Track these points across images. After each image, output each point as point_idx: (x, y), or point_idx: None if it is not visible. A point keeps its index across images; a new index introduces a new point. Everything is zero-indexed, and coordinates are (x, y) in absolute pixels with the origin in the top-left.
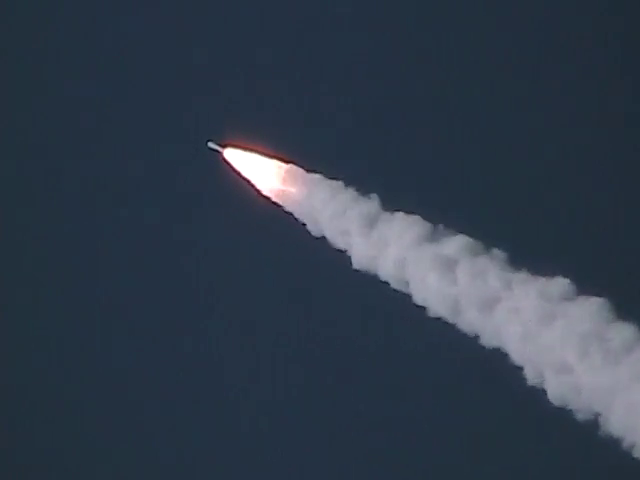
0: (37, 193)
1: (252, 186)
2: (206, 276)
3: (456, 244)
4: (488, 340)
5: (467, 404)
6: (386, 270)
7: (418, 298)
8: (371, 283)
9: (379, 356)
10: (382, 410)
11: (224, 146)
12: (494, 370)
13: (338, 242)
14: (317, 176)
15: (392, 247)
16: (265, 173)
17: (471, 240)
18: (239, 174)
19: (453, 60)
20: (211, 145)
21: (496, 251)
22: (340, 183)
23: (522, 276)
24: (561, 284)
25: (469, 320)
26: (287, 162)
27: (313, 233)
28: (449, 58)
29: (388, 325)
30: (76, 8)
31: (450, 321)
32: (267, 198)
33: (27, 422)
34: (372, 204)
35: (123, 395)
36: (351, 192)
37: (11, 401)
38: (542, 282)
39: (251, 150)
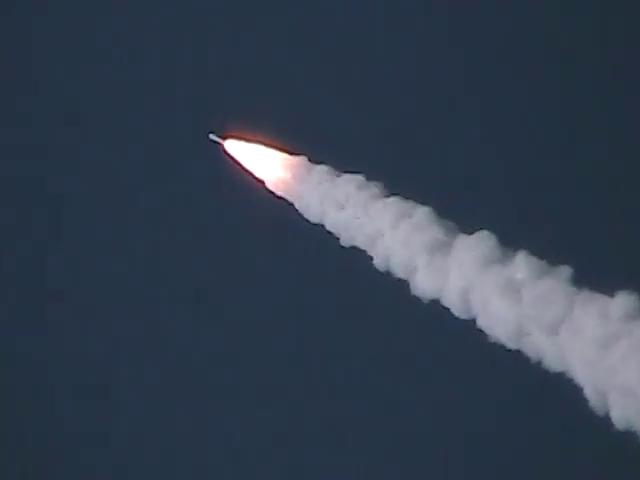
0: (32, 189)
1: (254, 178)
2: (207, 270)
3: (521, 265)
4: (552, 364)
5: (531, 429)
6: (449, 298)
7: (482, 322)
8: (382, 277)
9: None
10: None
11: (225, 138)
12: (560, 392)
13: (399, 272)
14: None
15: (455, 273)
16: (267, 165)
17: (535, 259)
18: (241, 166)
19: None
20: (212, 137)
21: (561, 268)
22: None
23: (585, 294)
24: (625, 302)
25: (534, 344)
26: (292, 154)
27: (376, 264)
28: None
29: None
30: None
31: (513, 346)
32: (269, 190)
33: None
34: (437, 227)
35: (119, 392)
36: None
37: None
38: (605, 300)
39: (253, 142)
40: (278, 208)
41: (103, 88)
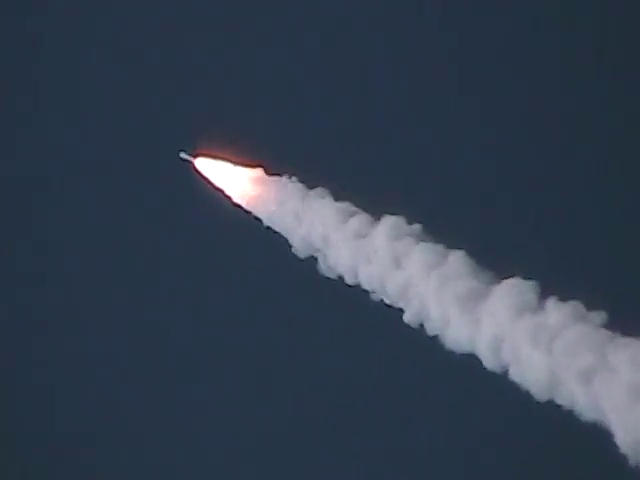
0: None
1: (224, 195)
2: (179, 287)
3: (552, 312)
4: (585, 412)
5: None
6: (482, 349)
7: (514, 373)
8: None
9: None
10: None
11: (196, 156)
12: (594, 442)
13: (431, 326)
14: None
15: (487, 323)
16: (238, 181)
17: (567, 305)
18: (211, 183)
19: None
20: (183, 155)
21: (594, 314)
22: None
23: (618, 340)
24: None
25: (566, 393)
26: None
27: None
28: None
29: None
30: (44, 18)
31: (546, 396)
32: (240, 207)
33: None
34: (469, 276)
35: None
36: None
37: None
38: (639, 345)
39: (223, 159)
40: (249, 223)
41: (72, 107)
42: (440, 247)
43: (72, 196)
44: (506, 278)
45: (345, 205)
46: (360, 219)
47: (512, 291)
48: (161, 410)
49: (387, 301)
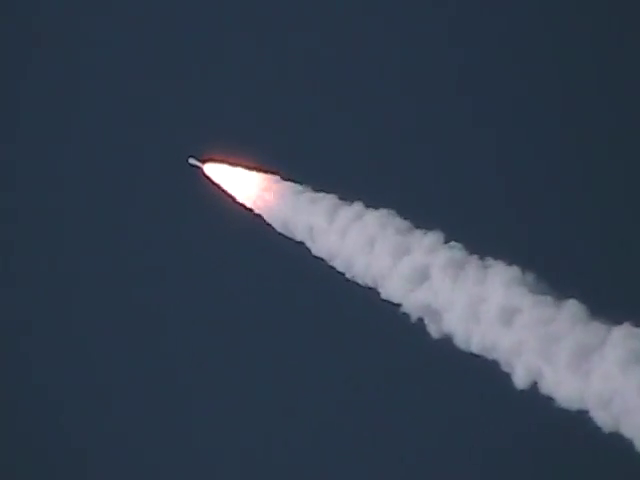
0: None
1: (234, 200)
2: (188, 295)
3: None
4: None
5: None
6: (592, 405)
7: (625, 427)
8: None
9: None
10: None
11: (204, 161)
12: None
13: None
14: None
15: (599, 376)
16: (247, 186)
17: None
18: (221, 189)
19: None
20: (192, 161)
21: None
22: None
23: None
24: None
25: None
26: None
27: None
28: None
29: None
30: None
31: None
32: (250, 210)
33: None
34: (581, 329)
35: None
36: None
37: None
38: None
39: (233, 164)
40: (260, 229)
41: (80, 113)
42: (551, 298)
43: (78, 203)
44: (617, 324)
45: (457, 252)
46: (473, 267)
47: (622, 341)
48: (160, 420)
49: (497, 360)
